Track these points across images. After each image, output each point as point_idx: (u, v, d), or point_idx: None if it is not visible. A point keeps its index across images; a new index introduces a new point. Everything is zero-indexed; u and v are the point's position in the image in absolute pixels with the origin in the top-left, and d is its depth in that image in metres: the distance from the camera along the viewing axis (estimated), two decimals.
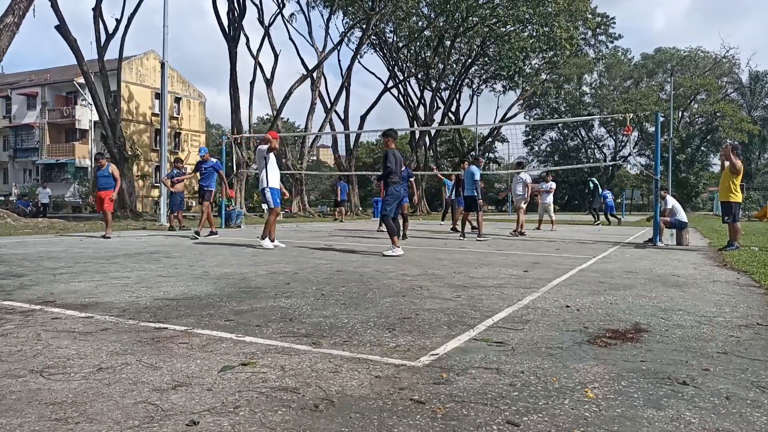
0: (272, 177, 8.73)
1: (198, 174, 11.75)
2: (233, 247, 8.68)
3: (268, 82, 28.96)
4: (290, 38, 58.33)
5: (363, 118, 34.16)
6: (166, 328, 3.15)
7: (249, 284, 4.82)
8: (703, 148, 58.73)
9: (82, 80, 28.92)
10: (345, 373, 2.37)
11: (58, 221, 16.51)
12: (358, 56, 32.99)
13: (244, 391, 2.12)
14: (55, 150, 41.99)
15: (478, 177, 11.46)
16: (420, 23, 36.48)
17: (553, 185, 16.73)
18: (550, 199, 16.41)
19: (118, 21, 21.55)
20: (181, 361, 2.50)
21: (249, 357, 2.58)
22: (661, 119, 11.66)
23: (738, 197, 9.01)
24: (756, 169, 56.30)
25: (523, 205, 13.66)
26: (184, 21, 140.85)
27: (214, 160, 11.53)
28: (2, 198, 36.08)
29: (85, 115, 40.48)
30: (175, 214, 14.36)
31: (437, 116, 41.89)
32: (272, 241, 8.68)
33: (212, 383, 2.21)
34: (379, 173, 9.50)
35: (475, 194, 11.43)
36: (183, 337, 2.96)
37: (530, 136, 64.78)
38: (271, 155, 8.78)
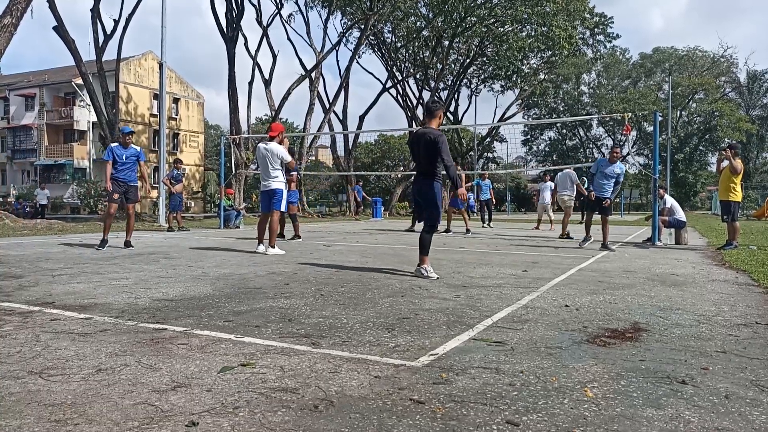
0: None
1: (115, 165, 8.55)
2: (232, 248, 8.67)
3: (267, 83, 28.94)
4: (288, 39, 58.25)
5: (362, 118, 34.12)
6: (165, 328, 3.15)
7: (248, 285, 4.81)
8: (701, 148, 58.76)
9: (80, 81, 28.90)
10: (344, 373, 2.37)
11: (56, 222, 16.49)
12: (357, 56, 32.98)
13: (243, 392, 2.12)
14: (54, 151, 41.94)
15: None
16: (418, 23, 36.48)
17: (552, 185, 16.70)
18: (549, 198, 16.39)
19: (116, 22, 21.50)
20: (180, 362, 2.50)
21: (248, 357, 2.58)
22: (660, 119, 11.63)
23: (738, 196, 9.02)
24: (754, 168, 56.38)
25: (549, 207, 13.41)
26: (182, 20, 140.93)
27: (137, 147, 8.89)
28: (0, 199, 36.05)
29: (84, 116, 40.44)
30: (174, 214, 14.35)
31: None
32: (262, 244, 7.82)
33: (212, 384, 2.21)
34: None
35: (610, 195, 9.19)
36: (182, 337, 2.95)
37: (529, 136, 64.75)
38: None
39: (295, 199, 10.96)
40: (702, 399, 2.11)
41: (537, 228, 16.22)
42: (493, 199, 19.08)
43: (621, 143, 59.94)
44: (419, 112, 39.46)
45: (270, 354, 2.65)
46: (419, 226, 6.00)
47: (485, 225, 17.66)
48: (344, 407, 1.98)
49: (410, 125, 38.20)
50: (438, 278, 5.30)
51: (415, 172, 5.71)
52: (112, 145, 8.78)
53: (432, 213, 5.51)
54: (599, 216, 9.31)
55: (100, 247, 8.06)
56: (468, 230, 13.76)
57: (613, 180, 9.14)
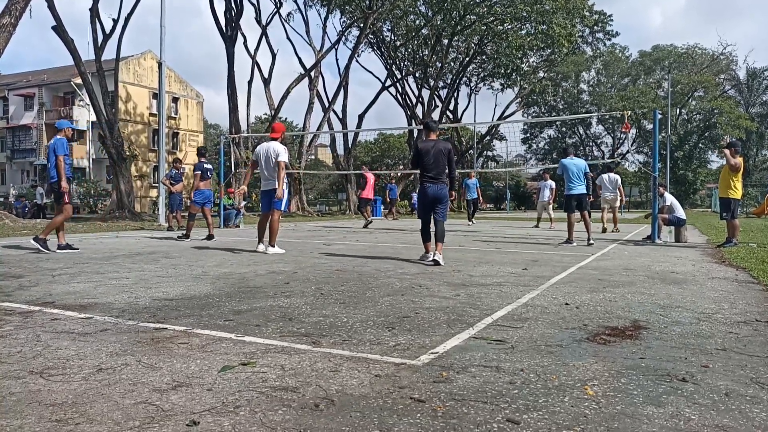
0: None
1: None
2: (232, 248, 8.67)
3: (266, 82, 28.95)
4: (288, 37, 58.04)
5: (361, 117, 34.11)
6: (166, 328, 3.15)
7: (248, 284, 4.81)
8: (701, 145, 58.75)
9: (79, 81, 28.87)
10: (345, 372, 2.37)
11: None
12: (356, 55, 32.98)
13: (244, 391, 2.12)
14: None
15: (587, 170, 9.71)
16: (417, 22, 36.45)
17: (552, 183, 16.77)
18: (548, 196, 16.43)
19: (115, 21, 21.47)
20: (180, 362, 2.50)
21: (249, 357, 2.58)
22: (659, 116, 11.63)
23: (737, 194, 9.02)
24: (753, 165, 56.36)
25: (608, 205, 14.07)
26: (181, 20, 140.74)
27: (60, 136, 7.71)
28: (1, 199, 36.04)
29: (83, 116, 40.39)
30: (174, 214, 14.35)
31: (435, 114, 41.84)
32: (262, 244, 7.82)
33: (212, 383, 2.21)
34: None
35: (587, 192, 9.72)
36: (182, 337, 2.95)
37: (528, 134, 64.70)
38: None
39: (199, 199, 10.47)
40: (702, 396, 2.11)
41: (537, 226, 16.21)
42: (480, 198, 19.43)
43: (621, 141, 60.09)
44: (419, 110, 39.52)
45: (270, 353, 2.65)
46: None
47: (471, 222, 18.24)
48: (345, 406, 1.98)
49: (410, 124, 38.21)
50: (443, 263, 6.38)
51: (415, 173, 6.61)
52: (64, 138, 7.72)
53: (445, 209, 6.73)
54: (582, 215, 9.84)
55: (72, 249, 7.61)
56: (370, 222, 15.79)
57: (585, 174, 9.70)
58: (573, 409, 1.97)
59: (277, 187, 7.58)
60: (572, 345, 2.85)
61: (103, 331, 3.06)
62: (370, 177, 16.53)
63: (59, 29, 19.06)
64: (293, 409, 1.94)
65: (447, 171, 6.64)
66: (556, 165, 12.18)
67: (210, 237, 10.16)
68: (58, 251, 7.54)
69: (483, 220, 22.97)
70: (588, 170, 9.66)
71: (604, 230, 13.22)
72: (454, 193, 7.10)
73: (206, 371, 2.36)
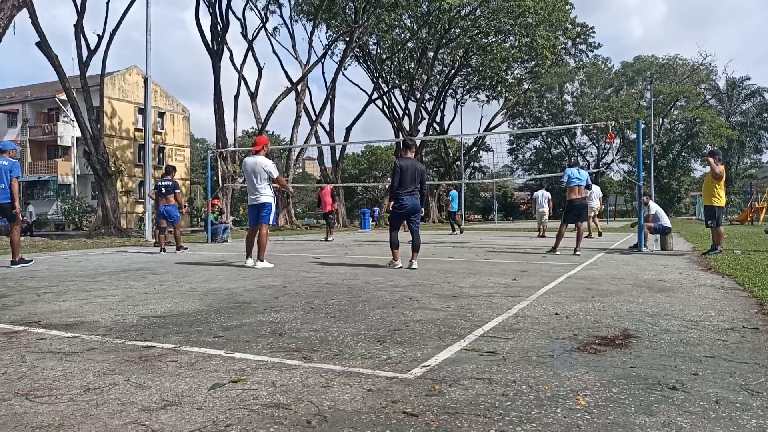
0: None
1: None
2: (220, 263, 8.60)
3: (253, 96, 28.96)
4: (274, 52, 57.73)
5: (348, 129, 34.24)
6: (154, 346, 3.11)
7: (237, 299, 4.77)
8: (684, 154, 59.62)
9: (63, 97, 28.68)
10: (337, 387, 2.35)
11: (40, 240, 16.27)
12: (342, 68, 33.15)
13: (235, 409, 2.10)
14: (37, 167, 41.45)
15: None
16: (403, 35, 36.78)
17: (549, 195, 17.30)
18: (545, 207, 16.86)
19: (100, 37, 21.38)
20: (169, 380, 2.46)
21: (239, 374, 2.56)
22: (642, 126, 11.82)
23: (721, 201, 9.15)
24: (735, 173, 57.24)
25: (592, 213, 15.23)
26: (165, 34, 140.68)
27: (9, 158, 7.90)
28: None
29: (68, 132, 40.05)
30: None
31: (422, 127, 42.15)
32: (251, 258, 7.81)
33: (202, 402, 2.18)
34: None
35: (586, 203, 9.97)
36: (171, 355, 2.92)
37: (514, 145, 65.33)
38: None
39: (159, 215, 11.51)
40: (693, 405, 2.12)
41: (543, 236, 16.11)
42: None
43: (605, 150, 60.84)
44: (405, 123, 39.72)
45: (261, 369, 2.63)
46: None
47: (456, 232, 19.39)
48: (337, 422, 1.96)
49: (397, 136, 38.37)
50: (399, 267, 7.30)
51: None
52: (16, 160, 8.09)
53: (419, 219, 7.64)
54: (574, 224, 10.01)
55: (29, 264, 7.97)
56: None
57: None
58: (566, 420, 1.97)
59: (264, 200, 7.71)
60: (563, 355, 2.85)
61: (90, 350, 3.02)
62: (325, 190, 16.70)
63: (43, 45, 18.94)
64: (285, 427, 1.92)
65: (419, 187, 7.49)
66: (542, 175, 12.51)
67: (162, 250, 11.07)
68: (14, 267, 7.90)
69: (471, 231, 23.06)
70: (589, 181, 9.88)
71: (589, 235, 14.17)
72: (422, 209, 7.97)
73: (196, 389, 2.33)
